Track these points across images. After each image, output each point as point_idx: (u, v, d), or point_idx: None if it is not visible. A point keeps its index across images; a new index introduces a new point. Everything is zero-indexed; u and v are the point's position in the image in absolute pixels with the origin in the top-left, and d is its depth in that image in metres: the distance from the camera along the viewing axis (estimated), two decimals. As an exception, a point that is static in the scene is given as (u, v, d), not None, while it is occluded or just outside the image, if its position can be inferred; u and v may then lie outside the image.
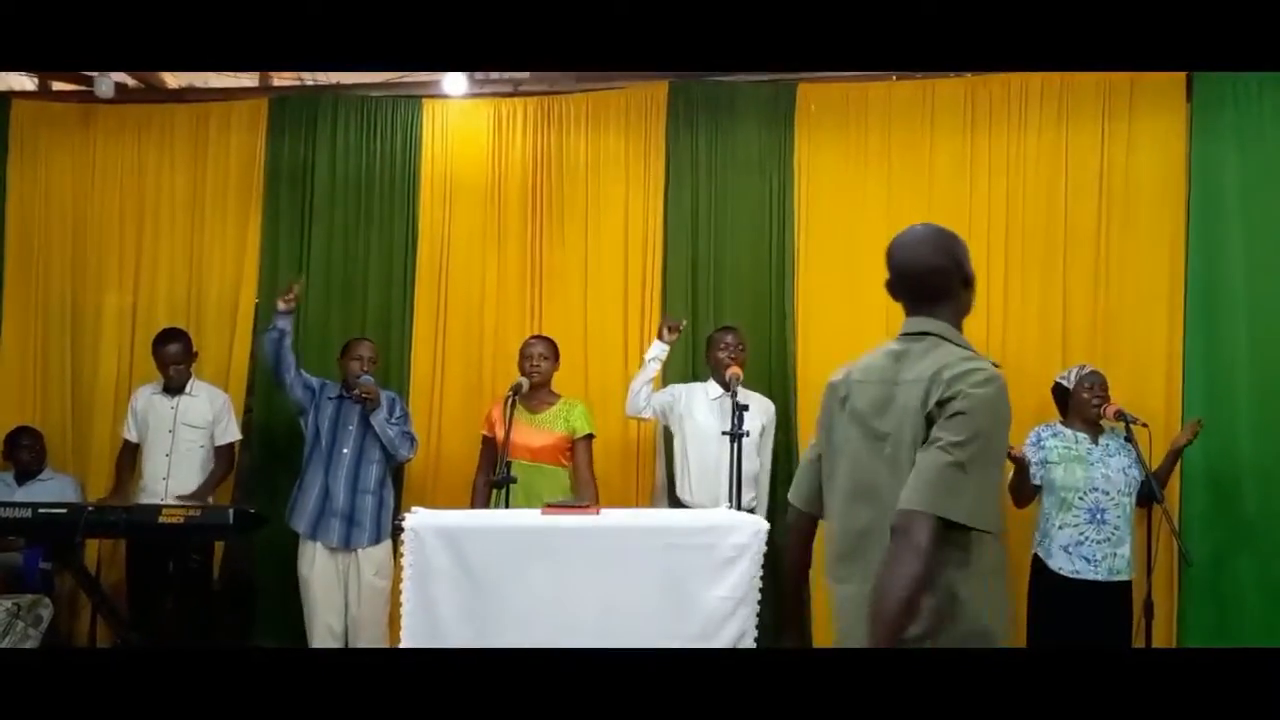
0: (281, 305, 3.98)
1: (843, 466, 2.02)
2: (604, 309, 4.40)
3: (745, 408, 3.47)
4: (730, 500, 3.37)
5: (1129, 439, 3.63)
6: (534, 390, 3.93)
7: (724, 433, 3.45)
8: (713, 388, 3.99)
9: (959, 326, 2.02)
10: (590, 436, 3.98)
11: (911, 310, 2.03)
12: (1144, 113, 4.12)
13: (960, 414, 1.84)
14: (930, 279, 2.00)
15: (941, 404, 1.86)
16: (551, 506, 2.95)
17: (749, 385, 3.96)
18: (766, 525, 2.81)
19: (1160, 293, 4.09)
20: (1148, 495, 3.63)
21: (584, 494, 3.83)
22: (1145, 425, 3.63)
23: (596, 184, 4.44)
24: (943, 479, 1.82)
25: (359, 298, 4.46)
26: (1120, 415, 3.65)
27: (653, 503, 4.18)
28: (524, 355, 3.98)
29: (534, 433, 3.88)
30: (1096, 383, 3.74)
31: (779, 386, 4.25)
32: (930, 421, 1.88)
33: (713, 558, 2.73)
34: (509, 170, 4.48)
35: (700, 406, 3.99)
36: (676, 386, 4.07)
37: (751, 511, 3.54)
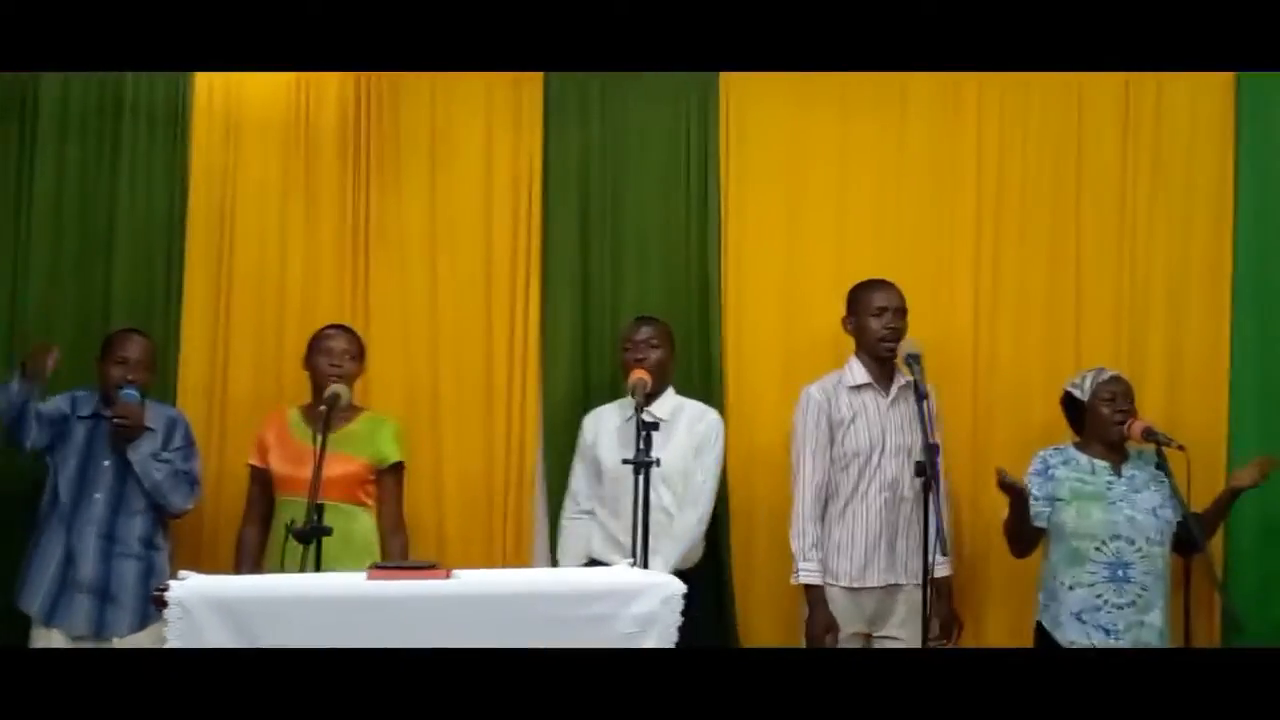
0: (21, 378, 3.77)
1: None
2: (460, 289, 4.39)
3: (654, 426, 3.47)
4: (634, 554, 3.36)
5: (1161, 466, 3.70)
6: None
7: (625, 461, 3.45)
8: (628, 405, 3.97)
9: None
10: (401, 466, 3.97)
11: None
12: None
13: None
14: None
15: None
16: (381, 569, 2.88)
17: (679, 389, 4.03)
18: (681, 587, 2.80)
19: (1199, 273, 4.25)
20: (1185, 542, 3.71)
21: (395, 546, 3.85)
22: (1182, 448, 3.70)
23: (448, 116, 4.41)
24: None
25: (100, 269, 4.30)
26: (1150, 435, 3.71)
27: (533, 565, 4.22)
28: (320, 351, 3.94)
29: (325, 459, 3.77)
30: (1119, 392, 3.81)
31: (699, 394, 4.28)
32: None
33: (606, 634, 2.72)
34: (322, 96, 4.40)
35: (608, 433, 4.01)
36: (591, 413, 4.13)
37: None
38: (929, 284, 4.25)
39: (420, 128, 4.40)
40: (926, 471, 3.44)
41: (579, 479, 4.10)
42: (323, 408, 3.63)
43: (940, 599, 3.89)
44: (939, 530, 3.40)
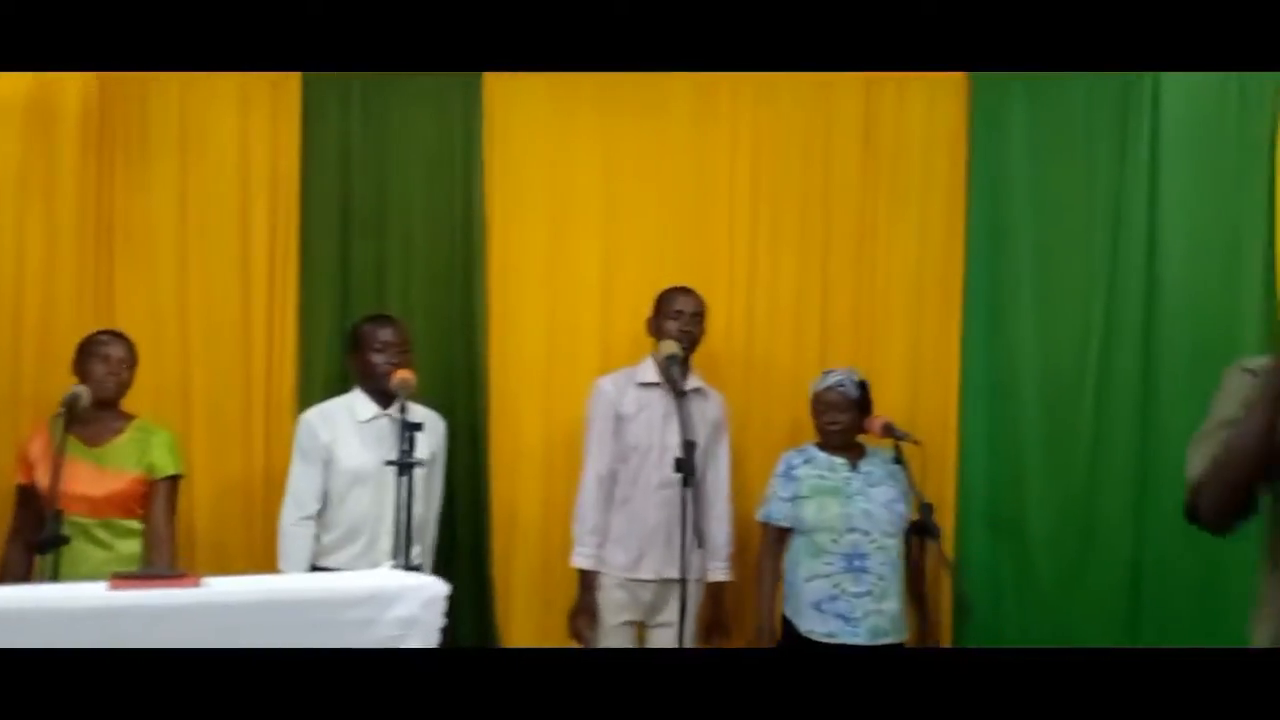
0: None
1: None
2: (214, 289, 4.26)
3: (418, 427, 3.43)
4: (396, 555, 3.32)
5: (899, 460, 3.87)
6: (98, 411, 3.68)
7: (389, 463, 3.39)
8: (362, 403, 3.90)
9: None
10: (176, 478, 3.81)
11: None
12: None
13: None
14: None
15: None
16: (124, 578, 2.72)
17: (442, 387, 4.04)
18: (444, 589, 2.77)
19: (934, 272, 4.44)
20: (922, 530, 3.85)
21: (160, 556, 3.69)
22: (918, 442, 3.90)
23: (200, 115, 4.27)
24: None
25: None
26: (889, 431, 3.89)
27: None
28: (96, 358, 3.73)
29: (95, 474, 3.64)
30: (831, 403, 3.94)
31: (463, 394, 4.28)
32: None
33: (367, 638, 2.64)
34: (63, 90, 4.17)
35: (348, 434, 3.89)
36: (310, 413, 3.95)
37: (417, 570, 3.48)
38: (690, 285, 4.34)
39: (169, 126, 4.24)
40: (684, 468, 3.53)
41: (305, 480, 3.85)
42: (60, 410, 3.46)
43: (710, 602, 4.00)
44: (695, 526, 3.50)
